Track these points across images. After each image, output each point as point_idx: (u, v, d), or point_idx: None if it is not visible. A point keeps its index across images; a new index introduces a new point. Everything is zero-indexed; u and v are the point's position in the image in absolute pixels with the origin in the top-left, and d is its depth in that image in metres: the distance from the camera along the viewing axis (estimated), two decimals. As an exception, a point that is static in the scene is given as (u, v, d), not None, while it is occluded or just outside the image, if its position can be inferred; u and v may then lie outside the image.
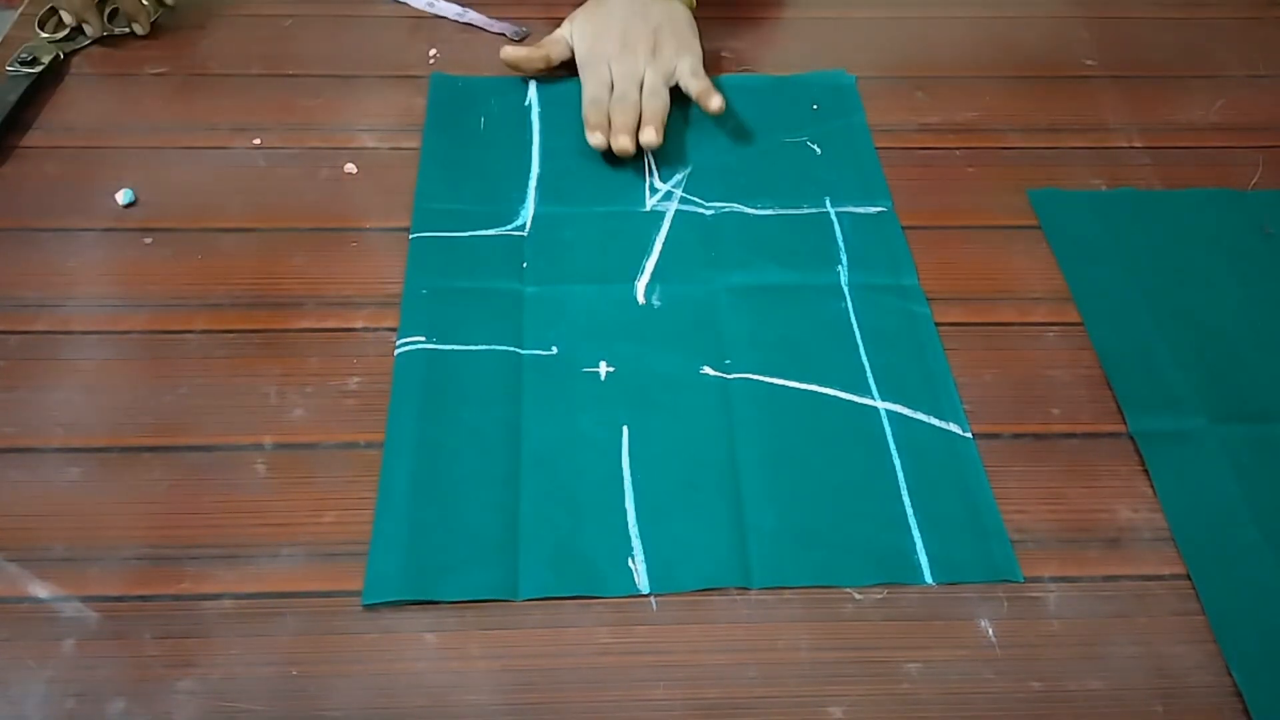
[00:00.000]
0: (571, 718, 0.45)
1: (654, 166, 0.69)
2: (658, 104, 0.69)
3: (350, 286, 0.60)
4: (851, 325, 0.60)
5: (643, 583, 0.49)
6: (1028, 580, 0.50)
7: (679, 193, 0.67)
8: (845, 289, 0.62)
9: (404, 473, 0.52)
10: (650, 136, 0.67)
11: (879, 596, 0.49)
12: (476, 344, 0.58)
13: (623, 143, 0.67)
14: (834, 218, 0.66)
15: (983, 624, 0.48)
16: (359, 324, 0.59)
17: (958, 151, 0.71)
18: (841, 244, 0.64)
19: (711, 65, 0.75)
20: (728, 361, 0.57)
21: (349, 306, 0.59)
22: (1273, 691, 0.46)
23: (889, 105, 0.74)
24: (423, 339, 0.57)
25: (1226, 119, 0.75)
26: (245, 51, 0.76)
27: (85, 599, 0.47)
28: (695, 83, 0.71)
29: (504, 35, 0.78)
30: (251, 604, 0.47)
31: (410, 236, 0.63)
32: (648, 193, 0.67)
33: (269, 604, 0.48)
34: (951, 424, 0.55)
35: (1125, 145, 0.72)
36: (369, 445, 0.53)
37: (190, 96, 0.72)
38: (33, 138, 0.69)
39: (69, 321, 0.58)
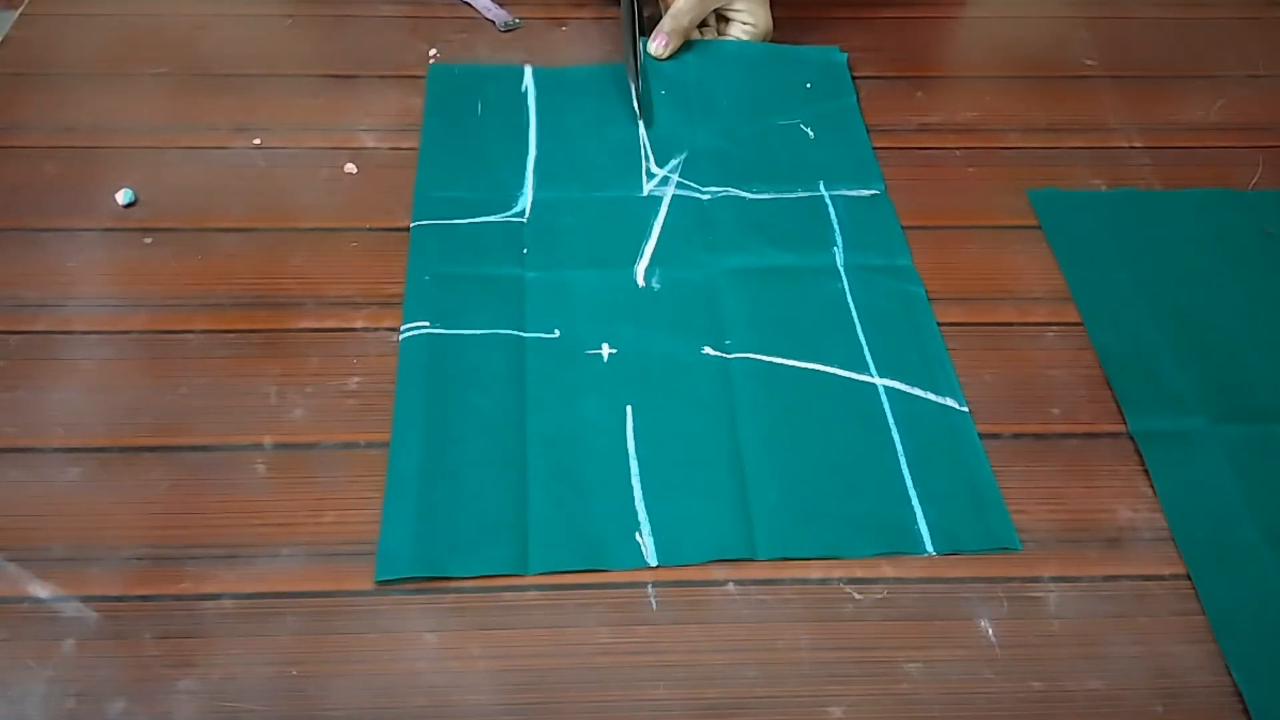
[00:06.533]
0: (571, 718, 0.45)
1: (650, 151, 0.69)
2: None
3: (350, 286, 0.60)
4: (848, 305, 0.60)
5: (650, 556, 0.49)
6: (1028, 580, 0.50)
7: (675, 177, 0.67)
8: (841, 270, 0.62)
9: (413, 454, 0.52)
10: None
11: (879, 596, 0.49)
12: (480, 328, 0.58)
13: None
14: (828, 201, 0.66)
15: (983, 624, 0.48)
16: (359, 324, 0.59)
17: (958, 151, 0.71)
18: (836, 226, 0.65)
19: (711, 65, 0.75)
20: (728, 342, 0.58)
21: (349, 306, 0.59)
22: (1273, 691, 0.46)
23: (889, 105, 0.74)
24: (427, 324, 0.58)
25: (1226, 119, 0.75)
26: (245, 51, 0.76)
27: (85, 599, 0.47)
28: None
29: (493, 23, 0.78)
30: (251, 604, 0.47)
31: (411, 224, 0.63)
32: (644, 177, 0.67)
33: (269, 604, 0.48)
34: (948, 399, 0.56)
35: (1125, 145, 0.72)
36: (369, 445, 0.53)
37: (190, 96, 0.72)
38: (33, 138, 0.69)
39: (69, 321, 0.58)
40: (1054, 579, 0.50)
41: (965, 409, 0.55)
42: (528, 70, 0.74)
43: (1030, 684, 0.46)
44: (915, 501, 0.52)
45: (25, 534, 0.49)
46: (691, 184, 0.67)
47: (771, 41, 0.76)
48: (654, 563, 0.49)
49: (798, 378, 0.57)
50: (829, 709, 0.45)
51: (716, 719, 0.45)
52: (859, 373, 0.57)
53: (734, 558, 0.49)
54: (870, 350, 0.58)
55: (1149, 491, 0.53)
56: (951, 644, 0.47)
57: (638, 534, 0.50)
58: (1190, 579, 0.50)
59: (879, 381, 0.57)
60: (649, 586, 0.49)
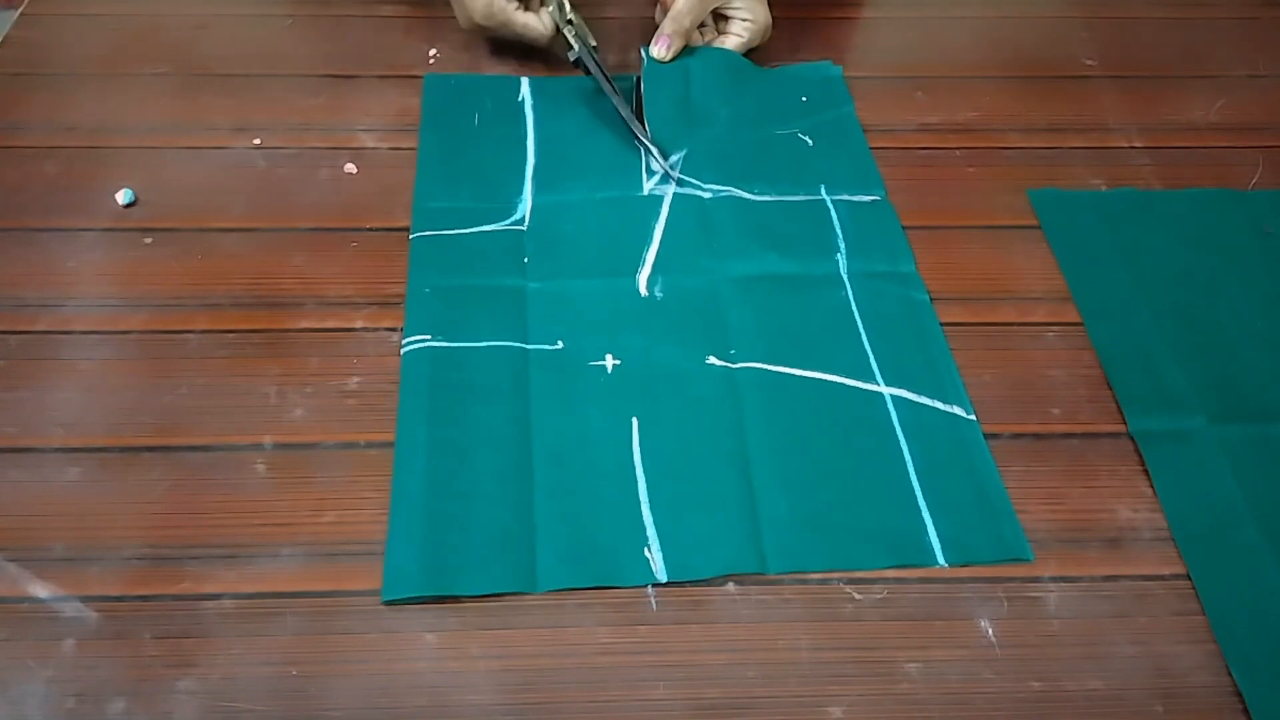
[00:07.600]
0: (571, 718, 0.45)
1: (650, 147, 0.69)
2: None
3: (350, 286, 0.60)
4: (853, 313, 0.60)
5: (660, 571, 0.49)
6: (1027, 580, 0.50)
7: (676, 174, 0.67)
8: (845, 277, 0.62)
9: (417, 470, 0.52)
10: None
11: (879, 596, 0.49)
12: (482, 341, 0.58)
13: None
14: (830, 206, 0.66)
15: (983, 624, 0.48)
16: (359, 324, 0.59)
17: (958, 151, 0.71)
18: (839, 232, 0.64)
19: (711, 65, 0.75)
20: (733, 351, 0.58)
21: (349, 306, 0.59)
22: (1273, 691, 0.46)
23: (889, 105, 0.74)
24: (428, 337, 0.57)
25: (1226, 119, 0.75)
26: (245, 51, 0.76)
27: (85, 599, 0.47)
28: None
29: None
30: (251, 604, 0.47)
31: (410, 236, 0.63)
32: (644, 175, 0.67)
33: (269, 604, 0.48)
34: (955, 407, 0.56)
35: (1125, 145, 0.72)
36: (369, 445, 0.53)
37: (190, 96, 0.72)
38: (33, 138, 0.69)
39: (69, 321, 0.58)
40: (1054, 579, 0.50)
41: (973, 417, 0.55)
42: (524, 81, 0.74)
43: (1030, 684, 0.46)
44: (925, 513, 0.51)
45: (25, 534, 0.49)
46: (693, 180, 0.67)
47: (770, 38, 0.76)
48: (663, 579, 0.49)
49: (804, 387, 0.56)
50: (829, 709, 0.45)
51: (716, 719, 0.45)
52: (865, 382, 0.57)
53: (744, 572, 0.49)
54: (876, 359, 0.58)
55: (1149, 491, 0.53)
56: (951, 644, 0.48)
57: (646, 549, 0.50)
58: (1190, 579, 0.50)
59: (886, 390, 0.56)
60: (649, 587, 0.49)
